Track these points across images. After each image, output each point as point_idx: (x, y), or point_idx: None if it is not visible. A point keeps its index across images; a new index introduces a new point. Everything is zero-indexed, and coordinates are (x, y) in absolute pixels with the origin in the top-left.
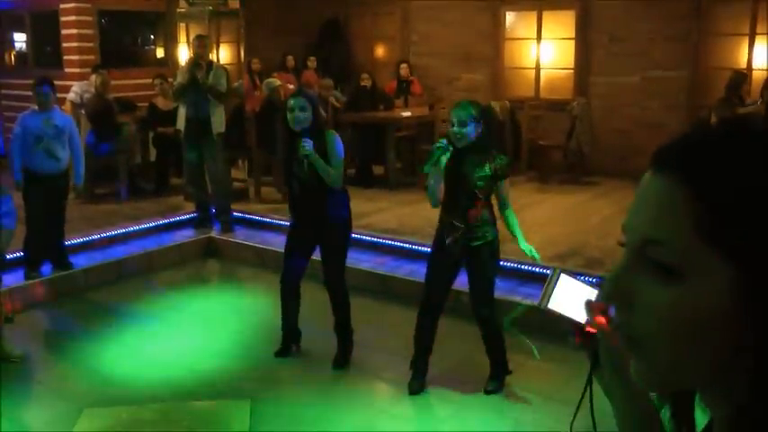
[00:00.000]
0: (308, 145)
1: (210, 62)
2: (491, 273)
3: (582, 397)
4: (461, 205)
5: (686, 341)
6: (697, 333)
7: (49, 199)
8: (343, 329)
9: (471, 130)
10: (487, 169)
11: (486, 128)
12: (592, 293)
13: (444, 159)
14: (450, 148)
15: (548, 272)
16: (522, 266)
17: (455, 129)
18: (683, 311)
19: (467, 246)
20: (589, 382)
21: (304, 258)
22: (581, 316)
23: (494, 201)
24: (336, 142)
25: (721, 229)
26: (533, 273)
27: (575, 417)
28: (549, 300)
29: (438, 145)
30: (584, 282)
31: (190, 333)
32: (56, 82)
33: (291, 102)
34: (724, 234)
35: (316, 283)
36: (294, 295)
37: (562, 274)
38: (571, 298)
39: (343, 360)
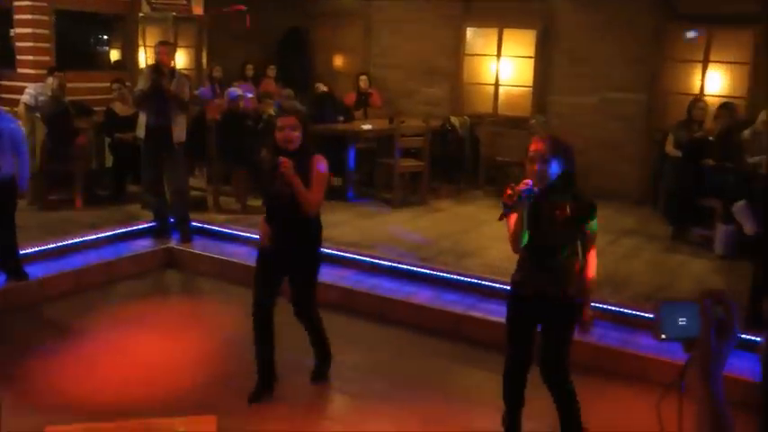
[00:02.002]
0: (287, 165)
1: (173, 69)
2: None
3: (671, 384)
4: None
5: None
6: None
7: None
8: (322, 344)
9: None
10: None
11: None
12: (694, 309)
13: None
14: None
15: (506, 287)
16: (483, 282)
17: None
18: None
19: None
20: (681, 375)
21: (276, 287)
22: (692, 331)
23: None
24: (321, 166)
25: None
26: (493, 288)
27: (661, 399)
28: (661, 332)
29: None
30: (684, 302)
31: (151, 346)
32: (8, 82)
33: (282, 120)
34: None
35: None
36: (269, 327)
37: (663, 306)
38: (679, 321)
39: (322, 373)
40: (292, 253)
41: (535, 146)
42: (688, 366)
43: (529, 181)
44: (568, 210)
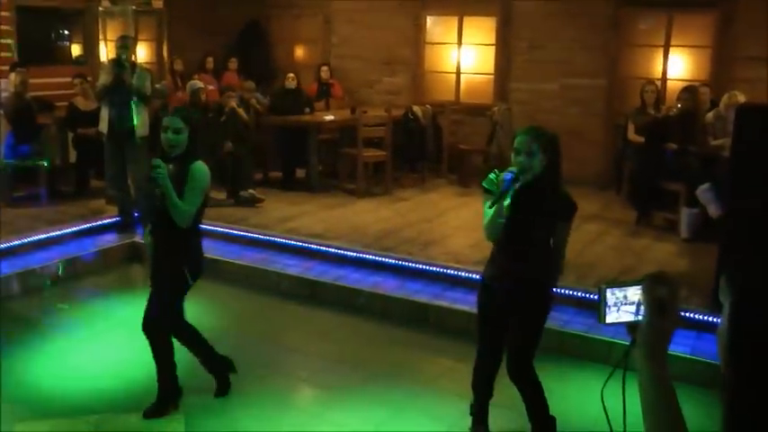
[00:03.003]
0: (160, 169)
1: (133, 63)
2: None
3: (617, 367)
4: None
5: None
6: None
7: None
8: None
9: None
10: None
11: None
12: (637, 291)
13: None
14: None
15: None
16: (448, 271)
17: (521, 158)
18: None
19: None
20: (625, 356)
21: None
22: (636, 316)
23: None
24: (198, 175)
25: None
26: (458, 277)
27: (606, 383)
28: (605, 316)
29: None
30: (626, 285)
31: (119, 342)
32: None
33: (166, 121)
34: None
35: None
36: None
37: (607, 290)
38: (622, 304)
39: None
40: (162, 266)
41: (520, 137)
42: (631, 348)
43: (512, 170)
44: (547, 206)
